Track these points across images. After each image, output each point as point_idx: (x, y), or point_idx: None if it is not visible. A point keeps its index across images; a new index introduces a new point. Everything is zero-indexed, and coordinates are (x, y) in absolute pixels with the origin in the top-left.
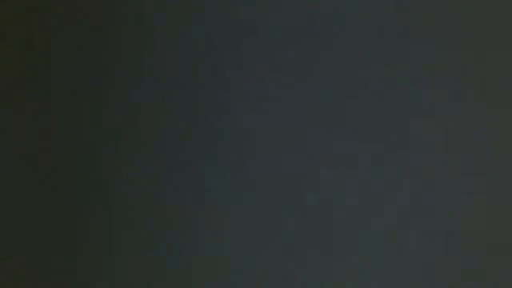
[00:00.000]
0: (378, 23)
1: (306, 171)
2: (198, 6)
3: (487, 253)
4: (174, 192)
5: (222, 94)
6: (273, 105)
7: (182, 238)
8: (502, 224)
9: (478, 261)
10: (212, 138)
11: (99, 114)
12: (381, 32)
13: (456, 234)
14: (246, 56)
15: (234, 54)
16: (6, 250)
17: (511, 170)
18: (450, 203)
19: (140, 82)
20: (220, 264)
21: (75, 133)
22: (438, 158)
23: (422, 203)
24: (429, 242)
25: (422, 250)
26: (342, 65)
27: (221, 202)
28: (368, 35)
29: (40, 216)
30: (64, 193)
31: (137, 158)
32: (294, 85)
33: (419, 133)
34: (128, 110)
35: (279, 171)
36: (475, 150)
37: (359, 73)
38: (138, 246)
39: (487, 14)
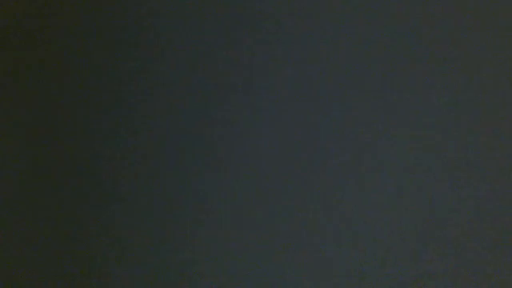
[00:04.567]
0: (378, 24)
1: (307, 172)
2: (201, 5)
3: (485, 252)
4: (175, 191)
5: (223, 94)
6: (275, 105)
7: (182, 238)
8: (499, 224)
9: (478, 260)
10: (213, 138)
11: (99, 114)
12: (382, 33)
13: (455, 233)
14: (248, 55)
15: (237, 53)
16: (6, 250)
17: (509, 171)
18: (448, 203)
19: (141, 81)
20: (221, 265)
21: (75, 133)
22: (436, 157)
23: (422, 204)
24: (428, 243)
25: (420, 250)
26: (343, 66)
27: (221, 202)
28: (368, 36)
29: (40, 216)
30: (64, 193)
31: (137, 158)
32: (296, 85)
33: (420, 134)
34: (128, 110)
35: (281, 172)
36: (475, 150)
37: (360, 73)
38: (138, 246)
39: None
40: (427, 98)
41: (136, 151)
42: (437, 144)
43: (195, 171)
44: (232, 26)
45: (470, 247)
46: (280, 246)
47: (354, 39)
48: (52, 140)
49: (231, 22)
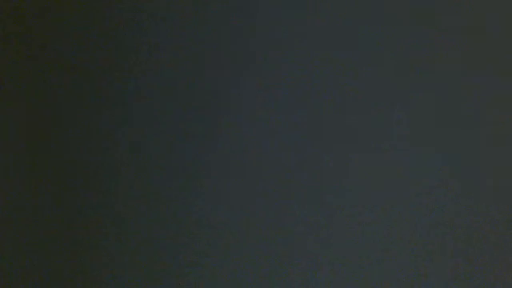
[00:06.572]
0: (378, 24)
1: (308, 174)
2: (201, 6)
3: (481, 249)
4: (174, 192)
5: (223, 95)
6: (274, 106)
7: (183, 237)
8: (496, 223)
9: (473, 259)
10: (214, 139)
11: (99, 114)
12: (382, 34)
13: (451, 233)
14: (249, 57)
15: (237, 54)
16: (6, 250)
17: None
18: (444, 203)
19: (141, 81)
20: (222, 262)
21: (75, 132)
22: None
23: (420, 203)
24: (427, 243)
25: (422, 254)
26: (343, 66)
27: (221, 203)
28: (369, 36)
29: (40, 216)
30: (64, 192)
31: (138, 158)
32: (295, 87)
33: (422, 135)
34: (129, 110)
35: (281, 172)
36: (469, 151)
37: (360, 76)
38: (139, 246)
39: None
40: (429, 98)
41: (136, 151)
42: (439, 145)
43: (195, 172)
44: (232, 25)
45: (473, 250)
46: (280, 247)
47: (353, 39)
48: (52, 140)
49: (231, 22)
